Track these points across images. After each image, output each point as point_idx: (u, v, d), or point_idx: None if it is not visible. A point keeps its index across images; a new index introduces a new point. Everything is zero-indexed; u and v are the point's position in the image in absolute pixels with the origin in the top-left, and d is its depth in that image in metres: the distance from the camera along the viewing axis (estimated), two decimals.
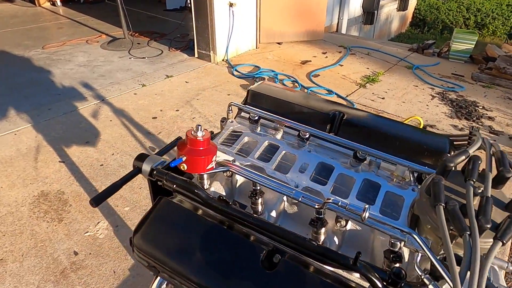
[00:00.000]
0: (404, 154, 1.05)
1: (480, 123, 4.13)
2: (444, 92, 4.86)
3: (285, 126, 1.16)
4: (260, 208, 0.96)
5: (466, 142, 1.08)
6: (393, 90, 4.88)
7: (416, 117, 2.76)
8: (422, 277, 0.72)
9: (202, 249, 0.80)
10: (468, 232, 0.66)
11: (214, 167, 0.90)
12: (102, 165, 3.11)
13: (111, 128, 3.68)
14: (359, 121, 1.19)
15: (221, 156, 0.99)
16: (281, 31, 6.56)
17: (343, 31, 8.25)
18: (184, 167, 0.84)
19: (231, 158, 1.03)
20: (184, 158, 0.83)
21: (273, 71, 5.20)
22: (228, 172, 1.01)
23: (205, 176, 1.00)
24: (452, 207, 0.70)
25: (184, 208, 0.89)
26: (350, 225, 0.94)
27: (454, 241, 0.74)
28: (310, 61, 5.77)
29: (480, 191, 0.75)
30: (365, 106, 4.38)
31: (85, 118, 3.85)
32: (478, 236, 0.66)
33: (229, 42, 5.63)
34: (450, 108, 4.42)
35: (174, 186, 0.90)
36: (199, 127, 0.84)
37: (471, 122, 4.14)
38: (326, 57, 6.02)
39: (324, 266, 0.79)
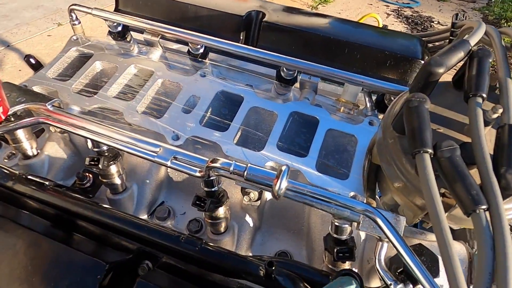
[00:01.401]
0: (355, 67, 0.66)
1: None
2: (399, 9, 4.58)
3: (161, 37, 0.71)
4: (118, 181, 0.56)
5: (448, 43, 0.71)
6: (346, 10, 4.52)
7: (373, 15, 2.24)
8: (391, 287, 0.38)
9: None
10: (484, 207, 0.32)
11: (2, 117, 0.47)
12: None
13: (21, 80, 3.02)
14: (288, 22, 0.77)
15: (29, 99, 0.54)
16: None
17: None
18: None
19: (53, 100, 0.55)
20: None
21: None
22: (55, 127, 0.59)
23: (23, 136, 0.57)
24: (449, 153, 0.35)
25: None
26: (270, 195, 0.57)
27: (448, 213, 0.40)
28: None
29: (495, 115, 0.39)
30: None
31: None
32: (503, 211, 0.32)
33: None
34: (406, 26, 4.22)
35: None
36: None
37: None
38: None
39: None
